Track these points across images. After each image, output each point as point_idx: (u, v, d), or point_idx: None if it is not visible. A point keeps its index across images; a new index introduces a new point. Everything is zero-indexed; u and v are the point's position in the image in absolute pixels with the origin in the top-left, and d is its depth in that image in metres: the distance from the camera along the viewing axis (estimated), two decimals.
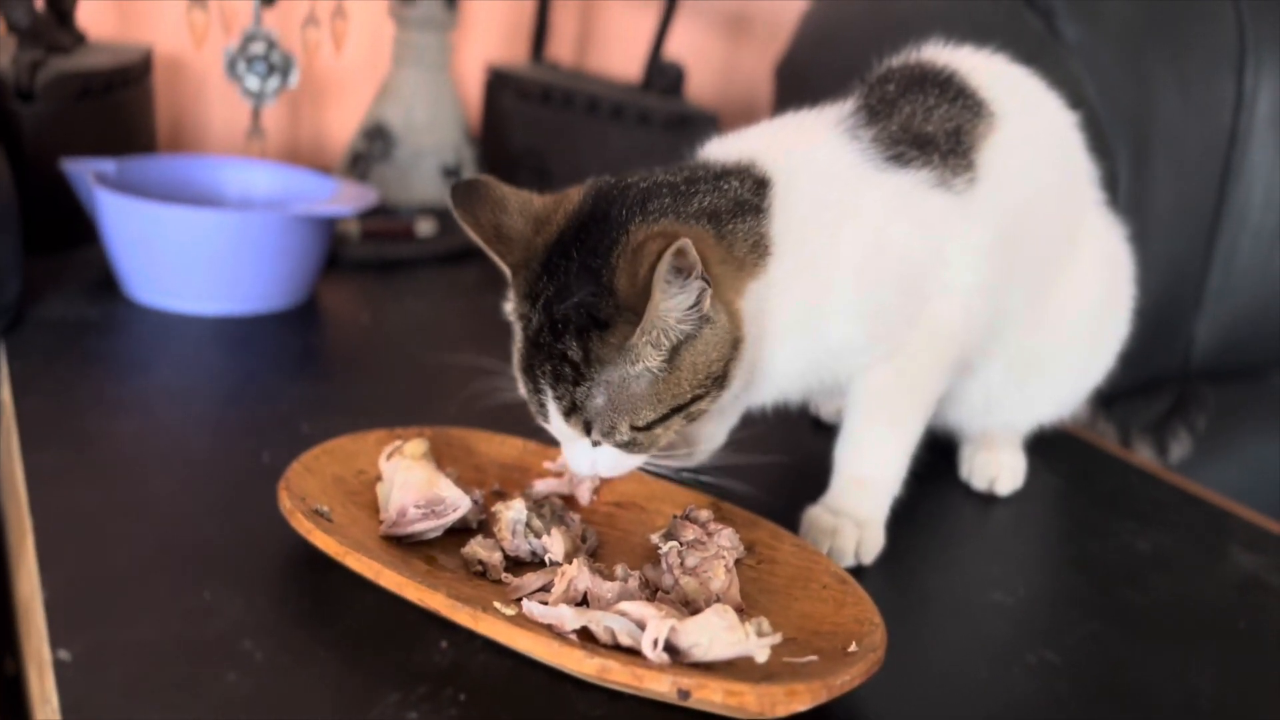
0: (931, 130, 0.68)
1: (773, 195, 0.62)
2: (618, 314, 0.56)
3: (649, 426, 0.58)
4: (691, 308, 0.56)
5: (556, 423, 0.59)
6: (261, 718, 0.48)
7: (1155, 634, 0.64)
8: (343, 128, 1.36)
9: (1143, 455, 1.01)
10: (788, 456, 0.81)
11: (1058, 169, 0.75)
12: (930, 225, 0.66)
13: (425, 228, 1.17)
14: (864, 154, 0.66)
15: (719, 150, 0.66)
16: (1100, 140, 1.29)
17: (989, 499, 0.78)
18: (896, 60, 0.75)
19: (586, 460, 0.60)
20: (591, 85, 1.32)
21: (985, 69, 0.74)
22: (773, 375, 0.64)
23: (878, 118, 0.68)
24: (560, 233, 0.60)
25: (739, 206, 0.61)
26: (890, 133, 0.67)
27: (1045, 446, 0.86)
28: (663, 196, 0.60)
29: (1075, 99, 0.84)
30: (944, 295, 0.68)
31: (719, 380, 0.59)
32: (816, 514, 0.67)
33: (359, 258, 1.10)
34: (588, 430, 0.58)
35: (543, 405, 0.59)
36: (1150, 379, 1.45)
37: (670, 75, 1.33)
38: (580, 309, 0.56)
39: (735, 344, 0.59)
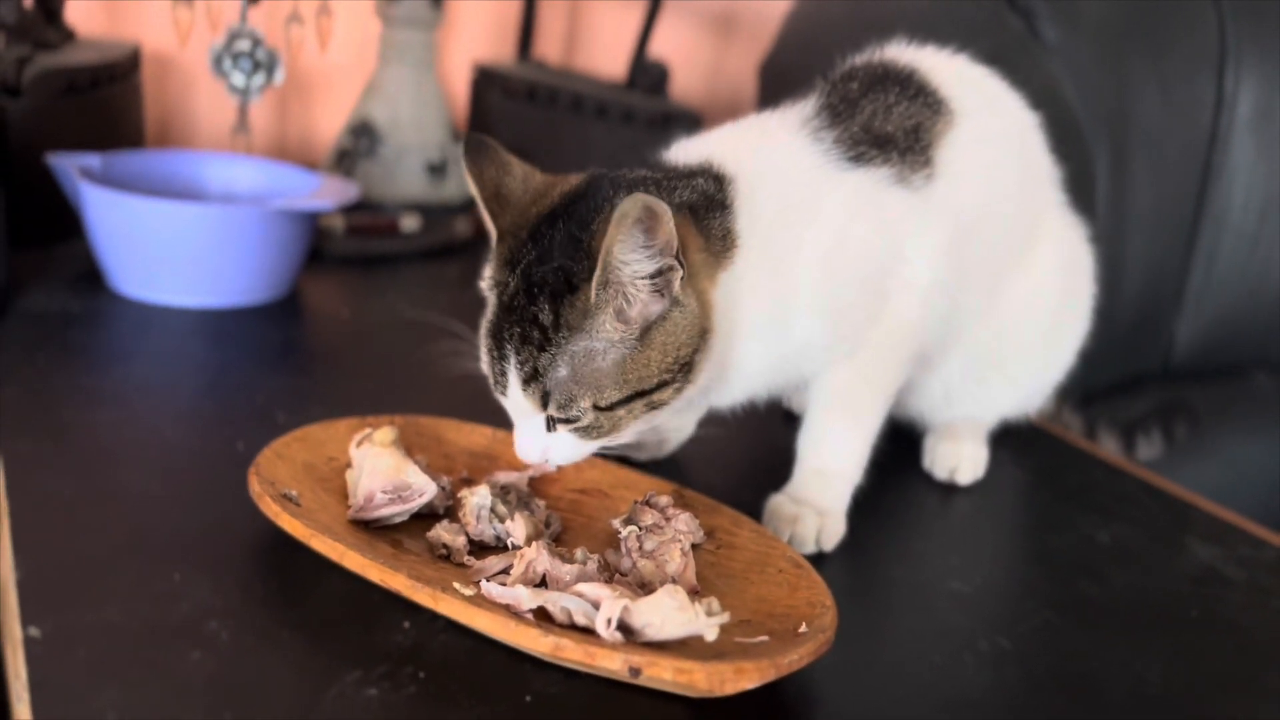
0: (891, 129, 0.69)
1: (735, 193, 0.63)
2: (587, 274, 0.57)
3: (611, 407, 0.58)
4: (654, 276, 0.56)
5: (514, 394, 0.59)
6: (223, 696, 0.49)
7: (1108, 624, 0.65)
8: (330, 125, 1.37)
9: (1107, 449, 1.03)
10: (755, 448, 0.82)
11: (1016, 167, 0.77)
12: (889, 222, 0.68)
13: (410, 224, 1.18)
14: (826, 155, 0.67)
15: (682, 152, 0.67)
16: (1079, 141, 1.31)
17: (952, 490, 0.79)
18: (860, 59, 0.77)
19: (538, 446, 0.60)
20: (576, 84, 1.33)
21: (946, 68, 0.75)
22: (742, 373, 0.65)
23: (839, 119, 0.69)
24: (553, 206, 0.62)
25: (709, 201, 0.63)
26: (851, 134, 0.68)
27: (1012, 440, 0.87)
28: (648, 186, 0.61)
29: (1054, 100, 0.86)
30: (903, 292, 0.69)
31: (686, 370, 0.60)
32: (779, 502, 0.69)
33: (343, 253, 1.11)
34: (544, 403, 0.58)
35: (503, 374, 0.60)
36: (1132, 378, 1.47)
37: (654, 74, 1.34)
38: (558, 272, 0.58)
39: (704, 334, 0.60)
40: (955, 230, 0.70)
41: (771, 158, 0.67)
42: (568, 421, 0.59)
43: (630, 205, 0.54)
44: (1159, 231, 1.42)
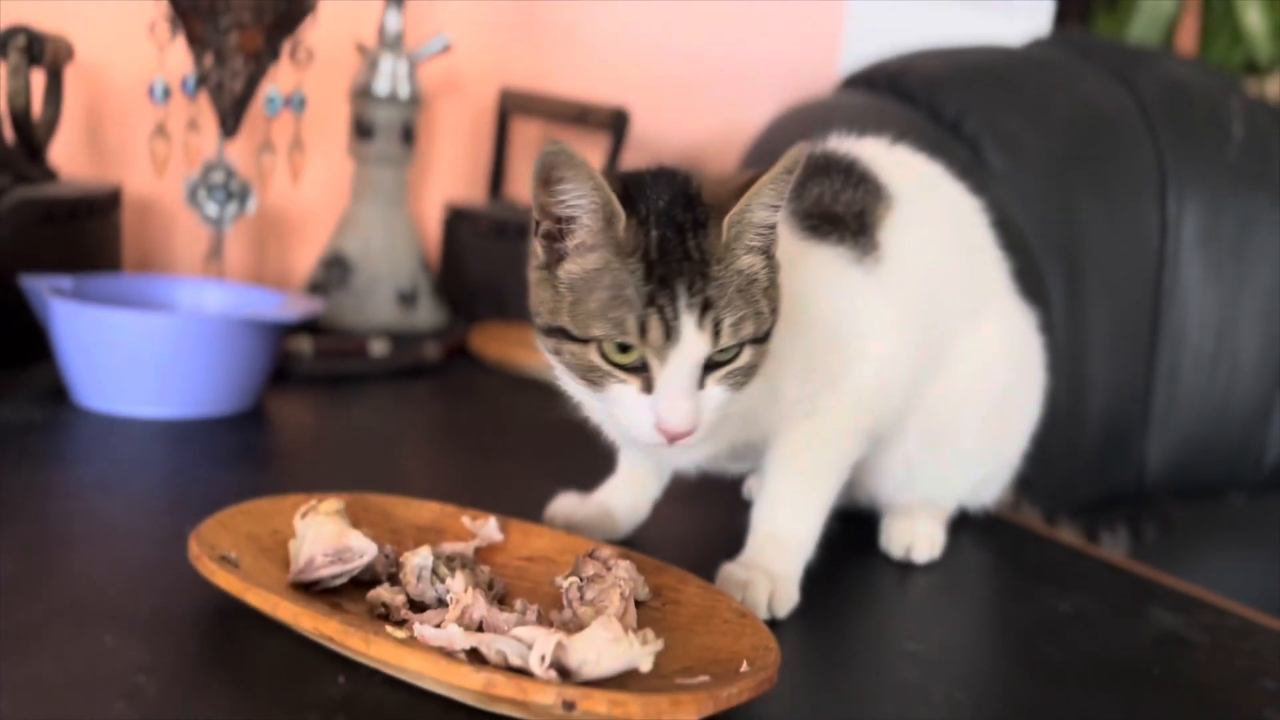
0: (840, 211, 0.74)
1: None
2: (712, 214, 0.61)
3: (756, 340, 0.61)
4: (768, 230, 0.62)
5: (687, 333, 0.59)
6: None
7: (1067, 681, 0.64)
8: (304, 261, 1.41)
9: (1066, 536, 1.02)
10: (710, 529, 0.82)
11: (953, 243, 0.80)
12: (848, 297, 0.72)
13: (379, 348, 1.20)
14: (787, 223, 0.71)
15: None
16: (1032, 264, 1.35)
17: (909, 567, 0.78)
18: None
19: (690, 405, 0.60)
20: None
21: (885, 157, 0.79)
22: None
23: (790, 199, 0.73)
24: (632, 179, 0.64)
25: None
26: (804, 209, 0.73)
27: (971, 527, 0.87)
28: None
29: (1004, 225, 0.89)
30: (861, 362, 0.72)
31: (769, 332, 0.63)
32: (730, 569, 0.68)
33: (310, 373, 1.13)
34: (716, 332, 0.59)
35: (674, 316, 0.59)
36: (1107, 497, 1.47)
37: None
38: (686, 212, 0.61)
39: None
40: (906, 306, 0.74)
41: None
42: (727, 364, 0.61)
43: (793, 153, 0.59)
44: (1118, 352, 1.45)
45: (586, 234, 0.61)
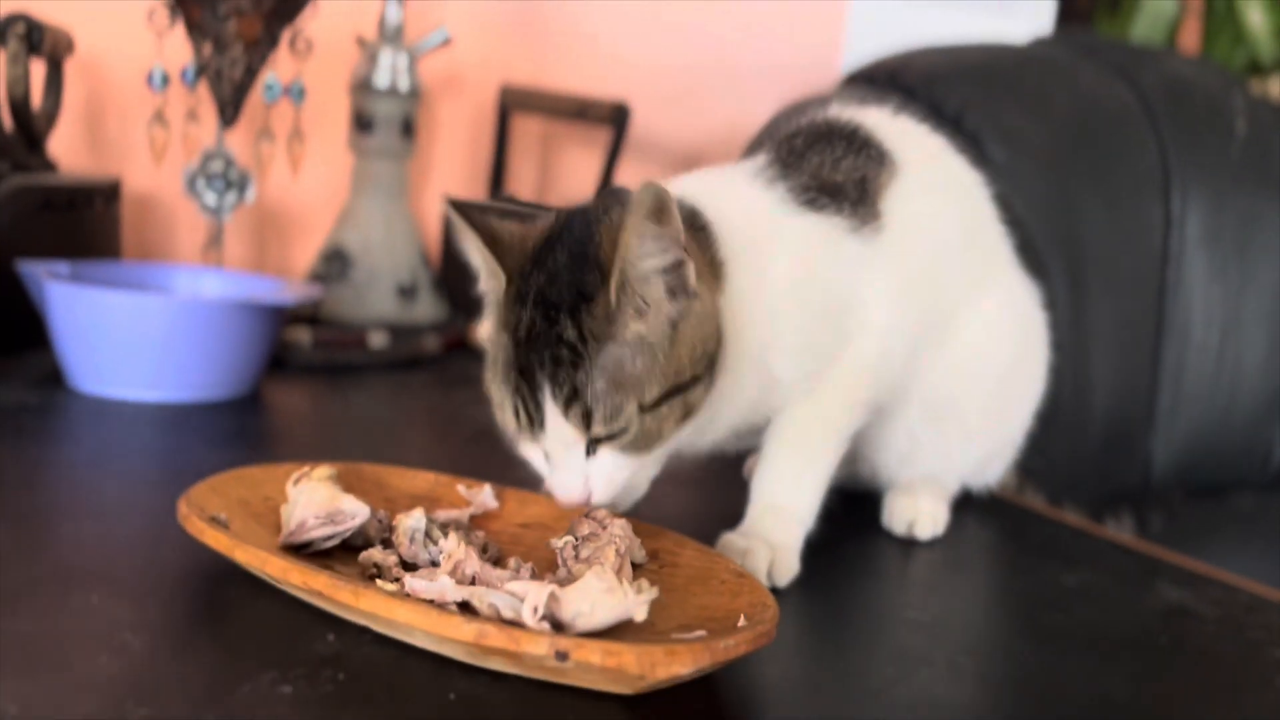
0: (840, 180, 0.72)
1: (712, 226, 0.65)
2: (600, 280, 0.57)
3: (655, 405, 0.58)
4: (668, 270, 0.57)
5: (553, 423, 0.58)
6: (127, 690, 0.46)
7: (1074, 649, 0.62)
8: (304, 255, 1.41)
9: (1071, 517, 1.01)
10: (711, 506, 0.81)
11: (959, 216, 0.79)
12: (846, 268, 0.70)
13: (377, 340, 1.19)
14: (782, 199, 0.70)
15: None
16: (1035, 260, 1.35)
17: (911, 543, 0.77)
18: (804, 120, 0.80)
19: (579, 478, 0.59)
20: None
21: (889, 124, 0.79)
22: (724, 409, 0.65)
23: (789, 170, 0.72)
24: (547, 234, 0.61)
25: (695, 224, 0.64)
26: (802, 182, 0.71)
27: (974, 507, 0.86)
28: None
29: (1009, 218, 0.89)
30: (861, 333, 0.70)
31: (711, 367, 0.60)
32: (730, 538, 0.67)
33: (308, 363, 1.12)
34: (587, 423, 0.57)
35: (537, 407, 0.58)
36: (1112, 495, 1.45)
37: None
38: (570, 287, 0.57)
39: (719, 336, 0.61)
40: (907, 276, 0.72)
41: (734, 199, 0.69)
42: (612, 438, 0.58)
43: (644, 193, 0.54)
44: (1122, 348, 1.44)
45: (489, 291, 0.62)
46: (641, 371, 0.57)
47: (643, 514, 0.77)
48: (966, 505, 0.85)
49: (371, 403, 1.06)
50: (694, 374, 0.59)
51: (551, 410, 0.58)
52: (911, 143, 0.78)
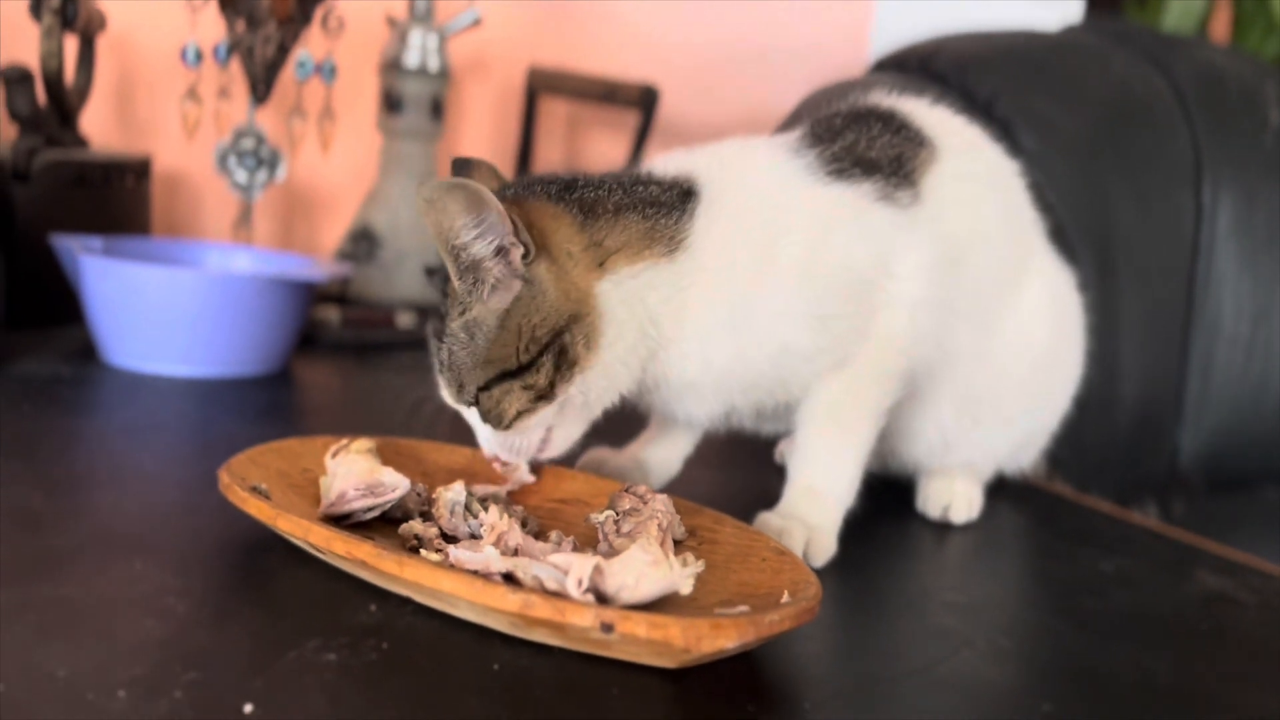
0: (875, 156, 0.71)
1: (698, 201, 0.65)
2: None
3: (487, 388, 0.61)
4: (495, 257, 0.59)
5: (441, 383, 0.64)
6: (174, 655, 0.47)
7: (1113, 633, 0.62)
8: (332, 235, 1.41)
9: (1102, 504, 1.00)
10: (744, 488, 0.81)
11: (999, 204, 0.78)
12: (873, 235, 0.68)
13: (405, 319, 1.19)
14: (807, 168, 0.69)
15: (660, 163, 0.69)
16: (1066, 248, 1.34)
17: (947, 527, 0.77)
18: (843, 104, 0.79)
19: (489, 440, 0.64)
20: None
21: (927, 113, 0.78)
22: (707, 377, 0.66)
23: (821, 141, 0.71)
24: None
25: (640, 203, 0.64)
26: (833, 152, 0.70)
27: (1008, 492, 0.85)
28: (550, 184, 0.65)
29: (1039, 203, 0.88)
30: (890, 307, 0.69)
31: (561, 354, 0.61)
32: (766, 518, 0.67)
33: (338, 341, 1.12)
34: (454, 391, 0.63)
35: (435, 370, 0.65)
36: (1138, 485, 1.44)
37: None
38: (443, 265, 0.62)
39: (573, 318, 0.61)
40: (942, 253, 0.70)
41: (746, 171, 0.68)
42: (470, 407, 0.63)
43: (426, 190, 0.57)
44: (1151, 339, 1.42)
45: None
46: (475, 352, 0.61)
47: (676, 492, 0.77)
48: (999, 490, 0.84)
49: (400, 379, 1.06)
50: (523, 361, 0.61)
51: (440, 374, 0.64)
52: (951, 129, 0.77)
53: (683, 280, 0.63)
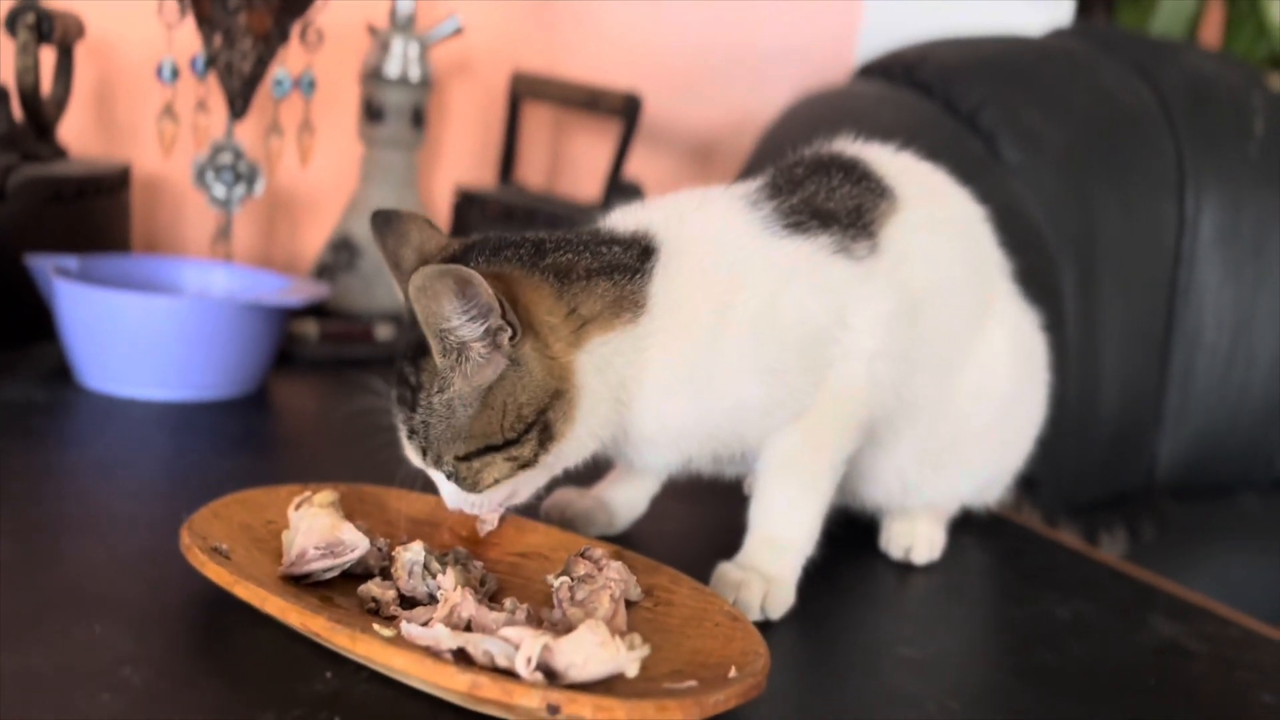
0: (833, 207, 0.71)
1: (656, 260, 0.65)
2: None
3: (467, 458, 0.61)
4: (485, 337, 0.59)
5: (411, 451, 0.64)
6: None
7: (1063, 690, 0.63)
8: (313, 244, 1.41)
9: (1068, 538, 1.01)
10: (710, 526, 0.82)
11: (961, 254, 0.78)
12: (828, 288, 0.69)
13: (384, 332, 1.20)
14: (763, 222, 0.69)
15: (619, 219, 0.69)
16: (1046, 258, 1.34)
17: (909, 568, 0.78)
18: (808, 151, 0.79)
19: (448, 490, 0.64)
20: (552, 205, 1.38)
21: (891, 161, 0.78)
22: (667, 433, 0.66)
23: (780, 192, 0.71)
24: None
25: (608, 267, 0.64)
26: (791, 205, 0.70)
27: (973, 526, 0.86)
28: (520, 248, 0.64)
29: (1018, 217, 0.88)
30: (847, 359, 0.69)
31: (544, 429, 0.61)
32: (725, 569, 0.67)
33: (315, 357, 1.13)
34: (431, 458, 0.62)
35: (400, 437, 0.65)
36: (1116, 494, 1.45)
37: (629, 195, 1.38)
38: (418, 335, 0.61)
39: (558, 395, 0.61)
40: (899, 304, 0.71)
41: (703, 226, 0.68)
42: (443, 474, 0.63)
43: (419, 278, 0.57)
44: (1131, 348, 1.43)
45: None
46: (457, 426, 0.61)
47: (643, 529, 0.78)
48: (965, 525, 0.85)
49: (376, 399, 1.06)
50: (509, 437, 0.61)
51: (408, 442, 0.64)
52: (914, 179, 0.77)
53: (643, 341, 0.63)
